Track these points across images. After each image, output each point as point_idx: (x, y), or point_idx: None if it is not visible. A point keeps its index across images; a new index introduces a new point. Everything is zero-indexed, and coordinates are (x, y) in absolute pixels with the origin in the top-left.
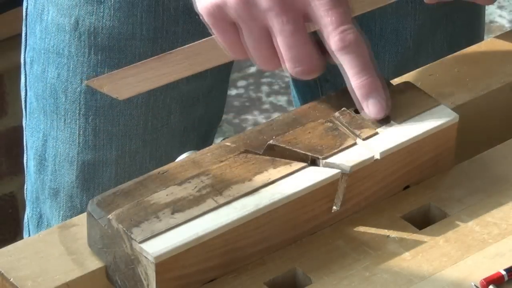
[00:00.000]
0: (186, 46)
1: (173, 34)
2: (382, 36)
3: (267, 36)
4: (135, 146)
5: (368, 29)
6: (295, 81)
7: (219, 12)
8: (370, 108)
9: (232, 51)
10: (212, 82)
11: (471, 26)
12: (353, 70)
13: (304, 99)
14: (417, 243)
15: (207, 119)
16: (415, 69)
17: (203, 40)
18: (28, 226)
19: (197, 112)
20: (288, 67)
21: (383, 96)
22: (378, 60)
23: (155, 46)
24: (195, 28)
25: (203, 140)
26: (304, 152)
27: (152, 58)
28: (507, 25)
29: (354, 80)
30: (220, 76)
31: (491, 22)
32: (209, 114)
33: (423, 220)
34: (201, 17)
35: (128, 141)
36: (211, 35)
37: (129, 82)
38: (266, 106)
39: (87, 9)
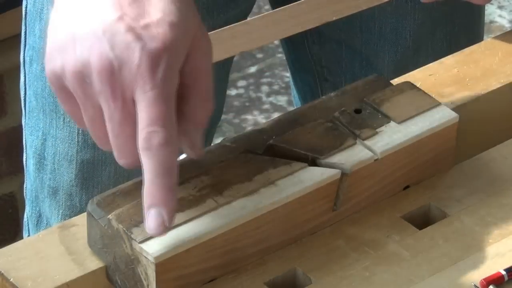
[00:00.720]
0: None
1: None
2: (382, 36)
3: (101, 116)
4: None
5: (367, 29)
6: (296, 81)
7: (58, 81)
8: (148, 221)
9: (75, 120)
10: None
11: (471, 25)
12: (147, 175)
13: (304, 99)
14: (417, 243)
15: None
16: (415, 69)
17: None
18: (28, 225)
19: None
20: (115, 155)
21: (167, 211)
22: (377, 60)
23: None
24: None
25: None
26: (304, 152)
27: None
28: (507, 25)
29: (145, 185)
30: (218, 76)
31: (491, 22)
32: None
33: (423, 220)
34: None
35: None
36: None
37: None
38: (266, 106)
39: None
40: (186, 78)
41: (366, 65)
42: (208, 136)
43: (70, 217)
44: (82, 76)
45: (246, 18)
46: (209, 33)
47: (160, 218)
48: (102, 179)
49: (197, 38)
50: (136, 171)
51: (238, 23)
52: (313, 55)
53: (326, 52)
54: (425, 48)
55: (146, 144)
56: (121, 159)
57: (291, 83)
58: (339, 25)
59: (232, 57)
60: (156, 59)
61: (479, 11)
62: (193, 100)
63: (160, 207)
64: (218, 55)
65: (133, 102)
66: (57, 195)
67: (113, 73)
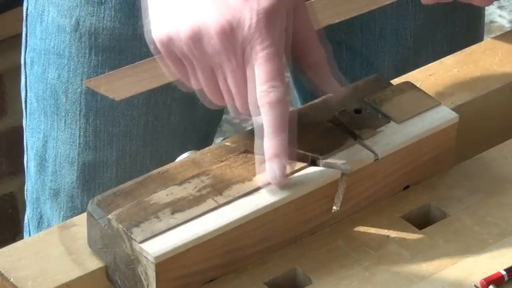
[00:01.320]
0: None
1: None
2: (382, 36)
3: (214, 76)
4: (136, 146)
5: (368, 29)
6: (296, 81)
7: (171, 44)
8: (271, 170)
9: (185, 82)
10: None
11: (471, 26)
12: (268, 129)
13: (305, 100)
14: (417, 243)
15: (208, 120)
16: (415, 69)
17: None
18: (29, 226)
19: (197, 112)
20: (238, 106)
21: (283, 164)
22: (378, 60)
23: None
24: None
25: (203, 140)
26: (304, 152)
27: (149, 58)
28: (507, 25)
29: (266, 139)
30: None
31: (491, 22)
32: (210, 115)
33: (423, 220)
34: (150, 47)
35: (128, 141)
36: None
37: (126, 83)
38: None
39: (88, 10)
40: (296, 34)
41: (367, 66)
42: (209, 136)
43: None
44: (199, 38)
45: None
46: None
47: (283, 167)
48: (103, 181)
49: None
50: (137, 172)
51: None
52: None
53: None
54: (426, 49)
55: (267, 99)
56: (243, 111)
57: (292, 84)
58: (339, 26)
59: None
60: (272, 17)
61: (479, 11)
62: (308, 51)
63: (281, 157)
64: None
65: (243, 55)
66: (58, 197)
67: (232, 32)
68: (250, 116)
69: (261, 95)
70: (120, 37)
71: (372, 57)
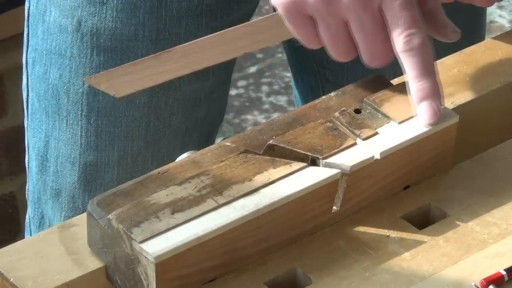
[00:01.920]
0: (184, 44)
1: (176, 35)
2: None
3: (345, 30)
4: (137, 147)
5: None
6: (297, 82)
7: (296, 7)
8: (423, 112)
9: (307, 43)
10: (214, 82)
11: (473, 27)
12: (414, 73)
13: (305, 100)
14: (417, 243)
15: (209, 120)
16: None
17: (200, 39)
18: (30, 226)
19: (199, 113)
20: (366, 60)
21: (437, 103)
22: None
23: (157, 47)
24: (197, 29)
25: (205, 140)
26: (304, 152)
27: (150, 56)
28: (507, 25)
29: (413, 83)
30: (221, 77)
31: (491, 22)
32: (211, 115)
33: (423, 220)
34: (276, 9)
35: (130, 142)
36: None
37: (126, 80)
38: (266, 106)
39: (90, 10)
40: None
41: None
42: (210, 136)
43: None
44: None
45: (250, 20)
46: (212, 34)
47: (432, 109)
48: (105, 181)
49: None
50: (138, 172)
51: (242, 24)
52: (315, 56)
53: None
54: None
55: (409, 46)
56: (374, 62)
57: (292, 84)
58: None
59: (235, 59)
60: None
61: (481, 12)
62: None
63: (431, 99)
64: (216, 58)
65: (379, 11)
66: (59, 197)
67: None
68: (381, 65)
69: (402, 43)
70: (122, 38)
71: None
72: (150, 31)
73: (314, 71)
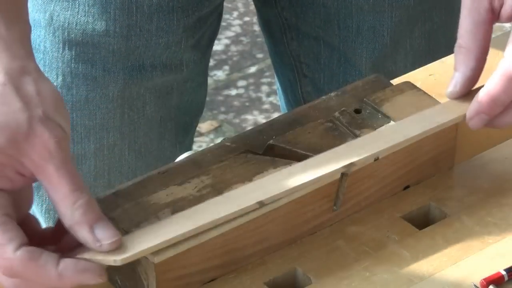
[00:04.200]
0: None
1: (147, 31)
2: (359, 33)
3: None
4: (113, 138)
5: (345, 26)
6: (278, 75)
7: None
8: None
9: None
10: (188, 74)
11: (449, 23)
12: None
13: (285, 93)
14: (417, 243)
15: (184, 110)
16: (393, 66)
17: None
18: None
19: (171, 101)
20: None
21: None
22: (355, 56)
23: (128, 43)
24: (168, 25)
25: (183, 131)
26: (304, 152)
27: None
28: (507, 25)
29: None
30: (196, 70)
31: None
32: (185, 104)
33: (423, 220)
34: None
35: (105, 134)
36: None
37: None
38: (266, 106)
39: (62, 5)
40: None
41: (344, 62)
42: (189, 128)
43: (54, 211)
44: None
45: (220, 14)
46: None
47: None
48: (82, 172)
49: (28, 134)
50: (115, 163)
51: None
52: (292, 51)
53: (304, 48)
54: (404, 46)
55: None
56: None
57: (275, 79)
58: (316, 22)
59: (210, 51)
60: None
61: (458, 8)
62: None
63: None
64: None
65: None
66: (39, 190)
67: None
68: None
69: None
70: (93, 33)
71: (350, 53)
72: (121, 27)
73: (292, 66)
